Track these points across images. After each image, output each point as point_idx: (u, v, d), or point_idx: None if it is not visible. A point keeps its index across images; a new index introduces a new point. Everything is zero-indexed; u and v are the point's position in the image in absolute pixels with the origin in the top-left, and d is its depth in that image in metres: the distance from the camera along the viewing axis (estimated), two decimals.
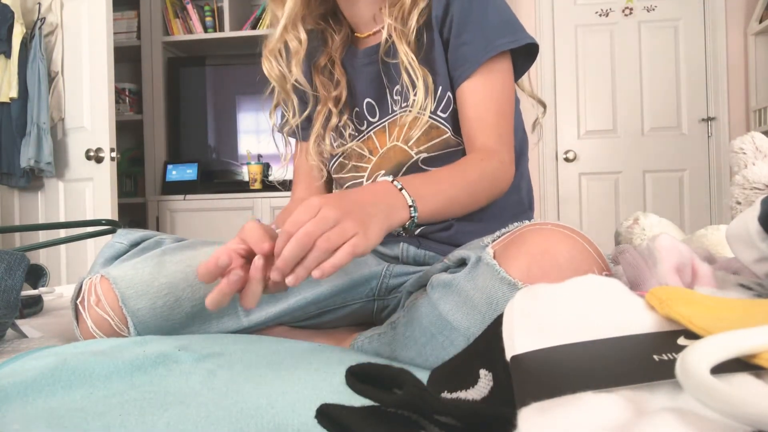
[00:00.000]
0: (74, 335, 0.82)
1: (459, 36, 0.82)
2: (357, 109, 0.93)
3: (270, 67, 0.89)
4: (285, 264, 0.52)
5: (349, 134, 0.93)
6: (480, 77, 0.82)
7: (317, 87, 0.93)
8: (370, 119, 0.91)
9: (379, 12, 0.87)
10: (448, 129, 0.86)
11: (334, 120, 0.92)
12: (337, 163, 0.96)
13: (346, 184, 0.96)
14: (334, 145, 0.93)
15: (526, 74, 0.92)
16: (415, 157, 0.88)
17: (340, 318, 0.86)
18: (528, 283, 0.57)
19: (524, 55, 0.87)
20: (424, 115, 0.83)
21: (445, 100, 0.85)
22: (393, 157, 0.89)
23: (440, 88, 0.85)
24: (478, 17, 0.82)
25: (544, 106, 0.97)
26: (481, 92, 0.82)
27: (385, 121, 0.90)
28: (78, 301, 0.78)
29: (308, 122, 0.96)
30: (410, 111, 0.83)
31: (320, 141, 0.93)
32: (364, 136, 0.92)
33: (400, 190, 0.65)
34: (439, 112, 0.85)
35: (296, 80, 0.88)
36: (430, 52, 0.85)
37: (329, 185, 1.03)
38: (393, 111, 0.89)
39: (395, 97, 0.89)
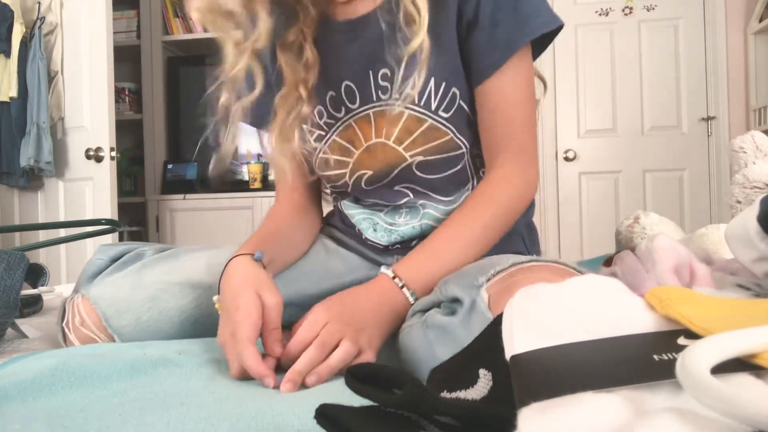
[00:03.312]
0: None
1: (491, 15, 0.70)
2: (332, 93, 0.79)
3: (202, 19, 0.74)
4: (296, 377, 0.56)
5: (325, 122, 0.80)
6: (509, 70, 0.72)
7: (282, 67, 0.77)
8: (350, 105, 0.78)
9: None
10: (450, 131, 0.76)
11: (305, 109, 0.77)
12: (318, 158, 0.83)
13: (331, 183, 0.87)
14: (306, 138, 0.80)
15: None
16: (410, 161, 0.78)
17: None
18: None
19: (538, 44, 0.77)
20: (407, 108, 0.73)
21: (449, 97, 0.75)
22: (383, 157, 0.79)
23: (444, 83, 0.74)
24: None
25: (544, 83, 0.87)
26: (509, 95, 0.74)
27: (368, 109, 0.78)
28: (63, 324, 0.77)
29: (266, 107, 0.79)
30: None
31: (286, 136, 0.77)
32: (342, 124, 0.79)
33: (402, 288, 0.66)
34: (440, 112, 0.75)
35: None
36: (438, 33, 0.72)
37: (317, 180, 0.91)
38: (379, 98, 0.77)
39: (381, 83, 0.76)
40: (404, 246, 0.83)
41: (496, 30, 0.71)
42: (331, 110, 0.80)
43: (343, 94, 0.78)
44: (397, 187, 0.82)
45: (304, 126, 0.80)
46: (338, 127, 0.80)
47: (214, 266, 0.76)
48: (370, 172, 0.81)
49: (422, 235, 0.81)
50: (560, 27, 0.74)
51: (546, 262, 0.59)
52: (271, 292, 0.64)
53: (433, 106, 0.75)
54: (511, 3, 0.71)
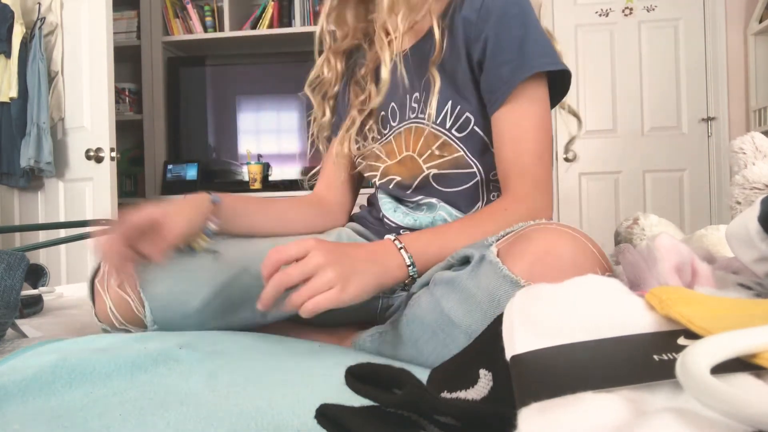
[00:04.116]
0: (74, 334, 0.82)
1: (495, 55, 0.80)
2: (383, 112, 0.94)
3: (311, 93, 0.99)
4: (267, 300, 0.62)
5: (373, 137, 0.95)
6: (517, 103, 0.79)
7: (350, 96, 0.97)
8: (392, 123, 0.92)
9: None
10: (461, 149, 0.85)
11: (356, 126, 0.95)
12: (357, 161, 0.99)
13: (366, 176, 1.01)
14: (354, 147, 0.96)
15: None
16: (426, 172, 0.88)
17: (343, 314, 0.86)
18: (530, 282, 0.57)
19: (559, 86, 0.85)
20: (427, 125, 0.85)
21: (462, 120, 0.84)
22: (411, 167, 0.90)
23: (459, 107, 0.84)
24: (516, 37, 0.79)
25: (579, 119, 0.94)
26: (519, 126, 0.80)
27: (401, 126, 0.90)
28: (97, 280, 0.78)
29: (340, 120, 1.01)
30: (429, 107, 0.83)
31: (343, 145, 0.96)
32: (385, 139, 0.93)
33: (400, 249, 0.69)
34: (454, 131, 0.85)
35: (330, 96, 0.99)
36: (454, 66, 0.84)
37: (358, 183, 1.05)
38: (409, 117, 0.90)
39: (412, 105, 0.89)
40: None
41: (502, 68, 0.79)
42: (380, 127, 0.95)
43: (389, 113, 0.93)
44: (417, 197, 0.91)
45: (358, 137, 0.96)
46: (382, 141, 0.94)
47: (248, 245, 0.83)
48: (398, 178, 0.93)
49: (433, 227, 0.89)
50: (567, 72, 0.82)
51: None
52: (180, 219, 0.72)
53: (448, 125, 0.85)
54: (517, 45, 0.79)
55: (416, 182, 0.90)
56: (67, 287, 1.46)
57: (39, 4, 2.53)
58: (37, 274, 1.32)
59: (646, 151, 3.09)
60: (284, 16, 3.12)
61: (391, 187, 0.94)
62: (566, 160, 3.15)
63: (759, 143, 1.08)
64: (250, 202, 0.88)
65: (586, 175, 3.16)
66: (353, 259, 0.64)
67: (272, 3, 3.09)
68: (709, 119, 3.04)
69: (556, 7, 3.13)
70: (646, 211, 1.28)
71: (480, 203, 0.89)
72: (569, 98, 0.90)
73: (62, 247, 2.50)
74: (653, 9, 3.07)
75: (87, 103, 2.49)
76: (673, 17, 3.07)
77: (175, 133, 3.20)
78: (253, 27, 3.12)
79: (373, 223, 0.97)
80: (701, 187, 3.06)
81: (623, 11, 3.10)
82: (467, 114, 0.84)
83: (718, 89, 3.02)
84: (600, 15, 3.11)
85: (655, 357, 0.30)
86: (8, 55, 2.50)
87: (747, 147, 1.08)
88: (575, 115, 0.94)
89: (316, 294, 0.60)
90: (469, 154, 0.86)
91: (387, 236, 0.72)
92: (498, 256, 0.61)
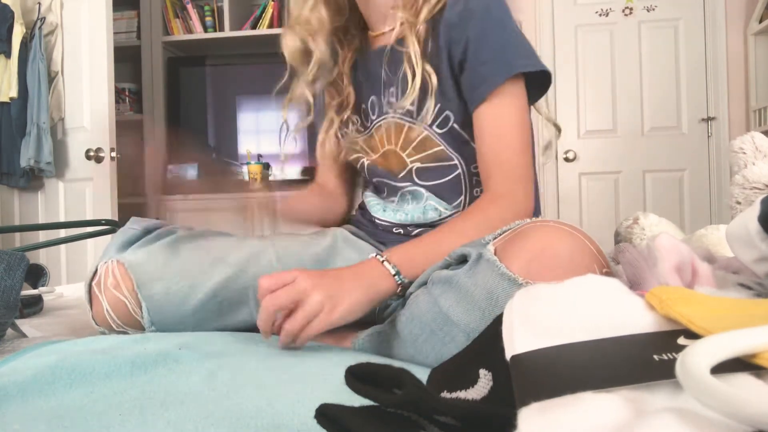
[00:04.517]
0: (74, 334, 0.82)
1: (476, 56, 0.81)
2: (364, 106, 0.95)
3: (293, 41, 0.91)
4: (263, 324, 0.66)
5: (356, 129, 0.97)
6: (497, 101, 0.81)
7: (326, 99, 0.99)
8: (372, 117, 0.94)
9: (392, 10, 0.88)
10: (442, 143, 0.87)
11: (334, 127, 0.97)
12: (345, 150, 1.00)
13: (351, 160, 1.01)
14: (340, 138, 0.98)
15: (544, 97, 0.90)
16: (410, 166, 0.90)
17: None
18: (528, 279, 0.57)
19: (536, 86, 0.86)
20: (416, 123, 0.86)
21: (442, 117, 0.86)
22: (394, 161, 0.92)
23: (438, 105, 0.85)
24: (497, 39, 0.81)
25: (558, 129, 0.96)
26: (499, 123, 0.81)
27: (380, 120, 0.92)
28: (94, 283, 0.79)
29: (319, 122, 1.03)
30: (404, 99, 0.84)
31: (326, 145, 0.99)
32: (368, 133, 0.95)
33: (382, 262, 0.70)
34: (434, 127, 0.86)
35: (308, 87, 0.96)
36: (436, 65, 0.84)
37: (354, 178, 1.07)
38: (386, 112, 0.91)
39: (390, 99, 0.90)
40: (406, 233, 0.92)
41: (483, 67, 0.81)
42: (363, 120, 0.96)
43: (369, 107, 0.94)
44: (404, 183, 0.92)
45: (342, 132, 0.98)
46: (365, 135, 0.96)
47: (245, 247, 0.84)
48: (384, 172, 0.94)
49: (425, 219, 0.91)
50: (547, 73, 0.83)
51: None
52: None
53: (428, 121, 0.86)
54: (499, 45, 0.81)
55: (400, 176, 0.92)
56: (67, 287, 1.46)
57: (39, 4, 2.53)
58: (37, 274, 1.32)
59: (646, 151, 3.09)
60: (284, 16, 3.12)
61: (379, 172, 0.96)
62: (566, 160, 3.15)
63: (759, 143, 1.08)
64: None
65: (586, 175, 3.16)
66: (339, 280, 0.66)
67: (272, 3, 3.09)
68: (709, 119, 3.04)
69: (556, 7, 3.13)
70: (646, 211, 1.28)
71: (462, 197, 0.90)
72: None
73: (62, 247, 2.50)
74: (653, 9, 3.07)
75: (87, 103, 2.48)
76: (673, 17, 3.07)
77: (175, 134, 3.20)
78: (253, 27, 3.11)
79: (366, 225, 0.98)
80: (701, 187, 3.06)
81: (623, 11, 3.10)
82: (447, 112, 0.85)
83: (718, 89, 3.02)
84: (600, 15, 3.11)
85: (655, 357, 0.30)
86: (8, 55, 2.50)
87: (747, 147, 1.08)
88: (556, 126, 0.96)
89: (309, 318, 0.63)
90: (449, 149, 0.87)
91: (370, 255, 0.74)
92: (495, 254, 0.61)
